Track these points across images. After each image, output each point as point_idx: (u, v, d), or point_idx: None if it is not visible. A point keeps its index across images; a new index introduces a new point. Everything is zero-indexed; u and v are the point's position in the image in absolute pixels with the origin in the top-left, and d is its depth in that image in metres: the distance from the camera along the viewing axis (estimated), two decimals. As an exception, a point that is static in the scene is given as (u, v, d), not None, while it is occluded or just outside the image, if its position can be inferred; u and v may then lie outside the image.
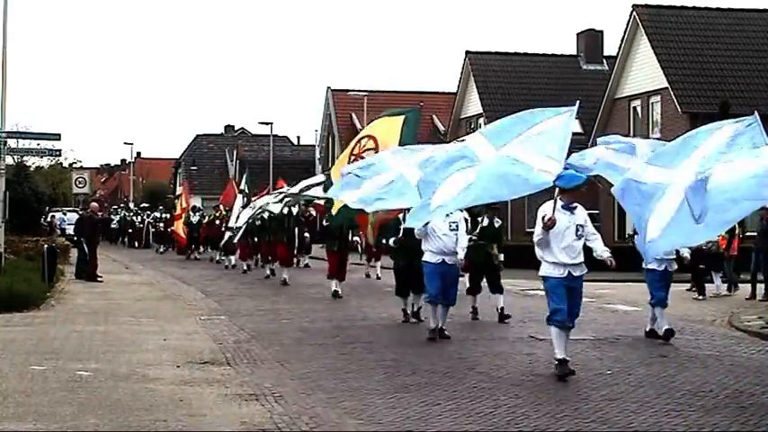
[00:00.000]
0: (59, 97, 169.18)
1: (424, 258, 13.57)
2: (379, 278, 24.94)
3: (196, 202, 60.81)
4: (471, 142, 11.67)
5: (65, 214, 51.45)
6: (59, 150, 30.83)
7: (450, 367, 11.32)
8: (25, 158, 43.14)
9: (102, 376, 10.54)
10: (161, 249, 43.05)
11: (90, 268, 24.75)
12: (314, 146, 65.17)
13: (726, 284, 21.61)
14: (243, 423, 8.39)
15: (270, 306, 18.66)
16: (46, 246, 23.31)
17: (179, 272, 29.26)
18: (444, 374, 10.82)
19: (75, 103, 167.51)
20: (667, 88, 35.94)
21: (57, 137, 25.47)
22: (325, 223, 19.80)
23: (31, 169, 48.62)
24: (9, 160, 32.31)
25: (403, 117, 16.60)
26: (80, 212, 32.90)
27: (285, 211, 23.82)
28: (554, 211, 10.27)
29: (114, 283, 24.16)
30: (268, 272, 25.93)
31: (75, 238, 28.25)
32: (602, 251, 10.85)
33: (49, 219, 46.64)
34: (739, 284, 21.57)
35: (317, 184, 21.25)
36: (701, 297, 20.39)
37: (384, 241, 16.18)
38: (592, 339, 13.63)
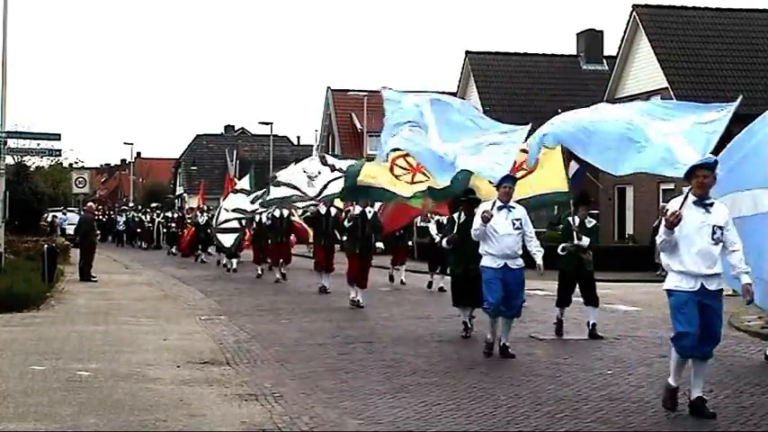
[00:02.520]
0: (59, 97, 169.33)
1: (482, 263, 11.98)
2: (403, 283, 23.33)
3: (196, 202, 60.93)
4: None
5: (65, 214, 51.37)
6: (59, 150, 30.93)
7: (450, 367, 11.32)
8: (25, 158, 43.16)
9: (102, 376, 10.54)
10: (173, 251, 41.07)
11: (85, 268, 24.73)
12: (312, 146, 65.11)
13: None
14: (243, 423, 8.39)
15: (270, 306, 18.66)
16: (46, 246, 23.32)
17: (179, 272, 29.26)
18: (444, 374, 10.82)
19: (75, 103, 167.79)
20: (667, 88, 35.93)
21: (57, 137, 25.50)
22: (347, 224, 18.35)
23: (31, 169, 48.63)
24: (9, 160, 32.34)
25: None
26: (81, 213, 32.97)
27: (323, 211, 21.42)
28: (682, 206, 8.46)
29: (114, 283, 24.17)
30: (278, 275, 24.99)
31: (77, 239, 28.26)
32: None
33: (49, 219, 46.66)
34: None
35: (333, 180, 20.62)
36: None
37: (438, 239, 14.99)
38: (592, 339, 13.63)
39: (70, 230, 41.23)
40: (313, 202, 21.87)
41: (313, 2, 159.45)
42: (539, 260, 11.80)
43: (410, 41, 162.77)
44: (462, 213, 13.41)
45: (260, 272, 26.80)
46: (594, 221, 14.39)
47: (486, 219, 11.61)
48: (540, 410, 8.90)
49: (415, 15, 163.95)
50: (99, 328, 14.82)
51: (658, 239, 8.59)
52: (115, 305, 18.63)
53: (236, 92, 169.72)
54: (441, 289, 20.99)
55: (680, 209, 8.38)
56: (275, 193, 22.78)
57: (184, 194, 75.51)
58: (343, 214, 19.04)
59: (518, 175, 12.92)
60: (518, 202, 12.37)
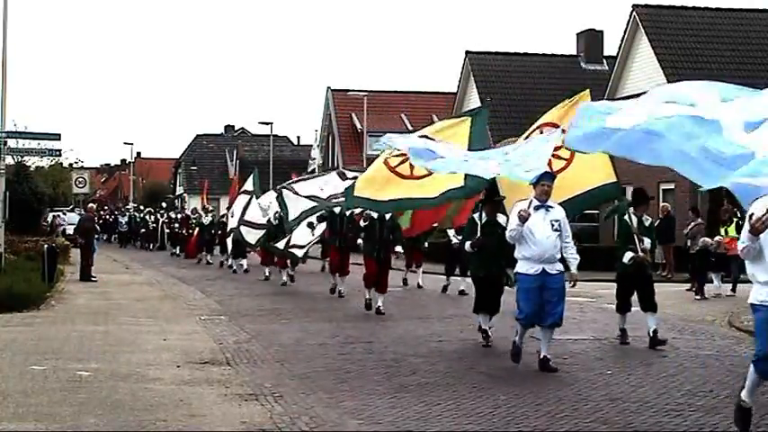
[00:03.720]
0: (59, 97, 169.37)
1: (517, 269, 11.00)
2: (420, 287, 22.42)
3: (196, 202, 60.92)
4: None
5: (65, 214, 51.35)
6: (59, 150, 31.00)
7: (450, 367, 11.32)
8: (25, 158, 43.15)
9: (102, 376, 10.54)
10: (176, 251, 40.03)
11: (84, 268, 24.73)
12: (312, 146, 65.14)
13: (731, 284, 21.54)
14: (243, 423, 8.39)
15: (270, 306, 18.66)
16: (46, 246, 23.32)
17: (179, 272, 29.25)
18: (444, 374, 10.82)
19: (75, 103, 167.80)
20: (667, 88, 35.93)
21: (57, 137, 25.50)
22: (362, 224, 17.53)
23: (31, 169, 48.60)
24: (9, 160, 32.34)
25: (470, 119, 14.66)
26: (81, 213, 32.95)
27: (337, 210, 20.11)
28: None
29: (114, 283, 24.17)
30: (285, 278, 24.19)
31: (77, 239, 28.24)
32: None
33: (49, 219, 46.66)
34: (738, 284, 21.56)
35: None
36: (698, 297, 20.38)
37: (458, 242, 13.78)
38: (592, 339, 13.64)
39: (70, 230, 41.23)
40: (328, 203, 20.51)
41: (313, 2, 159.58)
42: (573, 268, 11.03)
43: (410, 41, 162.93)
44: (484, 214, 12.69)
45: (267, 273, 25.96)
46: (650, 219, 13.36)
47: (524, 218, 10.61)
48: (540, 410, 8.90)
49: (415, 15, 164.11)
50: (99, 328, 14.82)
51: (740, 246, 7.58)
52: (115, 305, 18.63)
53: (236, 92, 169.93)
54: (461, 292, 20.09)
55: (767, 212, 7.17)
56: (293, 207, 20.79)
57: (184, 194, 75.54)
58: (363, 214, 17.83)
59: (554, 167, 11.97)
60: (563, 204, 11.48)
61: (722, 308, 18.26)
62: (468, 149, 13.64)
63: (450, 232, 20.35)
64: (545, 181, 10.87)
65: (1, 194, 22.35)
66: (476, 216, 12.77)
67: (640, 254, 12.72)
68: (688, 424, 8.44)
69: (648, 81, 37.63)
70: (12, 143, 29.37)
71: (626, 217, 12.93)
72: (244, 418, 8.54)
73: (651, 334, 12.83)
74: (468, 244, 12.73)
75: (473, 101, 47.02)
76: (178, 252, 39.47)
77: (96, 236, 29.20)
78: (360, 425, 8.39)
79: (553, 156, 12.08)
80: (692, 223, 22.47)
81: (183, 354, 12.22)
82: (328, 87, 59.27)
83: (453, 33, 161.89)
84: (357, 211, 19.55)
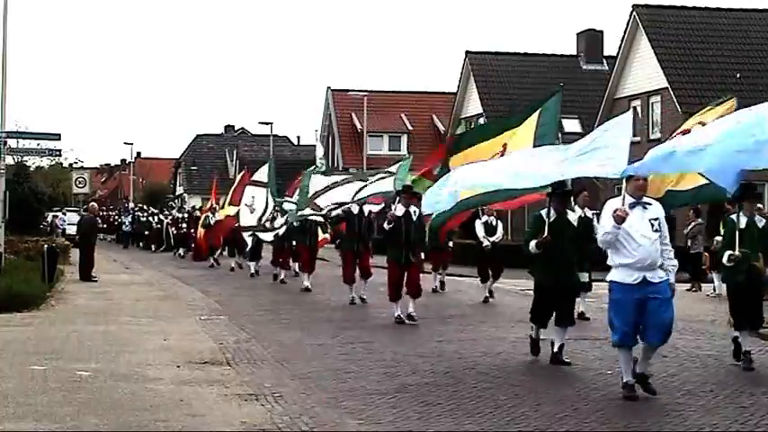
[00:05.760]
0: (59, 97, 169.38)
1: (611, 277, 9.43)
2: (437, 290, 20.94)
3: (196, 202, 60.88)
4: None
5: (65, 214, 51.29)
6: (59, 150, 30.90)
7: (450, 367, 11.31)
8: (25, 158, 43.15)
9: (102, 376, 10.53)
10: (181, 253, 38.14)
11: (86, 268, 24.73)
12: (314, 146, 65.12)
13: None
14: (243, 423, 8.39)
15: (270, 306, 18.65)
16: (46, 246, 23.31)
17: (179, 272, 29.22)
18: (444, 374, 10.82)
19: (76, 103, 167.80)
20: (667, 88, 35.95)
21: (57, 137, 25.50)
22: (386, 227, 15.55)
23: (31, 169, 48.60)
24: (9, 160, 32.30)
25: (538, 112, 13.02)
26: (82, 213, 32.90)
27: (355, 211, 18.58)
28: None
29: (114, 284, 24.14)
30: (303, 282, 22.04)
31: (77, 239, 28.22)
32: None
33: (49, 219, 46.61)
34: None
35: (377, 181, 17.67)
36: (693, 289, 20.32)
37: (532, 247, 11.37)
38: (592, 339, 13.61)
39: (70, 230, 41.18)
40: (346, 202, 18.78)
41: (313, 2, 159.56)
42: (672, 278, 9.40)
43: (410, 41, 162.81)
44: (552, 210, 11.31)
45: (282, 276, 24.32)
46: (765, 220, 11.34)
47: (621, 219, 9.08)
48: (540, 410, 8.90)
49: (415, 15, 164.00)
50: (99, 328, 14.82)
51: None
52: (115, 305, 18.62)
53: (236, 92, 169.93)
54: (489, 296, 19.00)
55: None
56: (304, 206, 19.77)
57: (184, 194, 75.54)
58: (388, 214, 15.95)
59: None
60: (669, 193, 10.45)
61: (722, 308, 18.24)
62: (534, 146, 12.19)
63: (480, 233, 18.96)
64: (640, 173, 9.43)
65: (1, 194, 22.35)
66: (543, 212, 11.35)
67: (738, 253, 10.97)
68: (688, 424, 8.44)
69: (648, 81, 37.68)
70: (12, 143, 29.36)
71: (732, 215, 11.40)
72: (244, 418, 8.54)
73: (744, 355, 11.21)
74: (533, 243, 11.22)
75: (473, 101, 47.07)
76: (182, 254, 37.90)
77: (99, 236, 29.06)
78: (360, 425, 8.39)
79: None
80: (693, 223, 22.49)
81: (183, 354, 12.21)
82: (328, 87, 59.27)
83: (453, 33, 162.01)
84: (375, 209, 18.77)
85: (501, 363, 11.63)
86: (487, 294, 19.16)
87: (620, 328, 9.27)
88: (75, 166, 61.17)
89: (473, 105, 47.07)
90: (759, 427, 8.38)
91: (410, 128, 56.05)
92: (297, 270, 24.13)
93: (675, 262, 9.44)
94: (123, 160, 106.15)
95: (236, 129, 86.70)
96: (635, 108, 9.45)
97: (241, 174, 30.40)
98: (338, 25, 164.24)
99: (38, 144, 30.16)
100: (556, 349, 11.31)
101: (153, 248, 44.89)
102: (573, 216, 11.66)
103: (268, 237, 24.62)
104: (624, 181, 9.34)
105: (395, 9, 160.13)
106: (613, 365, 11.34)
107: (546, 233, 11.11)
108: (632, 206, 9.27)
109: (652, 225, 9.27)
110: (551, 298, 11.35)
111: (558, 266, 11.18)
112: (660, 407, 9.02)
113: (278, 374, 10.86)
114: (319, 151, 59.41)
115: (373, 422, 8.48)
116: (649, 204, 9.43)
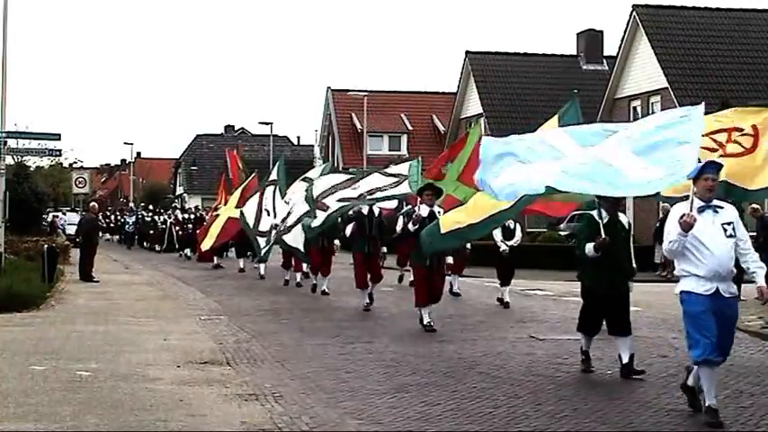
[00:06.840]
0: (59, 97, 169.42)
1: (683, 287, 8.44)
2: (453, 292, 20.08)
3: (196, 202, 60.91)
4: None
5: (65, 214, 51.30)
6: (59, 150, 31.00)
7: (450, 367, 11.32)
8: (25, 158, 43.20)
9: (102, 376, 10.54)
10: (188, 254, 36.92)
11: (86, 268, 24.74)
12: (313, 146, 65.15)
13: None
14: (243, 423, 8.39)
15: (270, 306, 18.65)
16: (46, 246, 23.32)
17: (179, 272, 29.23)
18: (444, 374, 10.82)
19: (76, 103, 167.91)
20: (667, 88, 35.93)
21: (57, 137, 25.50)
22: (411, 228, 14.90)
23: (31, 169, 48.65)
24: (9, 160, 32.35)
25: (556, 116, 12.98)
26: (82, 213, 32.88)
27: (365, 211, 18.20)
28: None
29: (114, 283, 24.15)
30: (311, 284, 21.67)
31: (77, 239, 28.21)
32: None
33: (50, 219, 46.64)
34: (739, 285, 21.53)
35: (390, 186, 16.95)
36: None
37: (584, 249, 10.75)
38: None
39: (70, 230, 41.19)
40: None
41: (313, 2, 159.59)
42: (761, 280, 8.31)
43: (410, 41, 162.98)
44: (604, 212, 10.75)
45: (298, 279, 23.33)
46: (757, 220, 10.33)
47: (689, 225, 8.15)
48: (540, 410, 8.90)
49: (415, 15, 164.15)
50: (99, 328, 14.82)
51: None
52: (115, 305, 18.62)
53: (236, 92, 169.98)
54: (506, 304, 18.23)
55: None
56: (321, 216, 18.74)
57: (184, 194, 75.56)
58: (414, 213, 15.12)
59: (716, 156, 10.00)
60: (725, 197, 9.48)
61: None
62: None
63: (497, 237, 18.18)
64: (710, 173, 8.40)
65: (1, 194, 22.36)
66: (594, 214, 10.75)
67: None
68: (688, 424, 8.44)
69: (648, 81, 37.67)
70: (12, 143, 29.39)
71: None
72: (244, 418, 8.54)
73: None
74: (590, 246, 10.57)
75: (473, 101, 47.06)
76: (188, 254, 36.82)
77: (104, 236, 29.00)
78: (360, 425, 8.39)
79: (726, 141, 10.60)
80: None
81: (183, 354, 12.22)
82: (328, 87, 59.27)
83: (453, 33, 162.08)
84: (384, 206, 18.17)
85: (501, 363, 11.63)
86: (501, 297, 18.54)
87: (700, 341, 8.21)
88: (75, 166, 61.28)
89: (473, 105, 47.06)
90: (759, 427, 8.38)
91: (410, 128, 56.07)
92: (306, 270, 23.15)
93: (763, 264, 8.45)
94: (123, 160, 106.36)
95: (236, 129, 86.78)
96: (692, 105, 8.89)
97: (249, 177, 29.82)
98: (338, 25, 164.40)
99: (38, 144, 30.23)
100: (626, 361, 10.60)
101: (157, 249, 43.95)
102: (624, 219, 11.19)
103: (293, 240, 21.36)
104: (692, 182, 8.43)
105: (395, 9, 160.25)
106: (613, 365, 11.35)
107: (603, 235, 10.53)
108: (701, 210, 8.35)
109: (725, 230, 8.33)
110: (602, 305, 10.77)
111: (612, 271, 10.63)
112: (660, 407, 9.02)
113: (278, 374, 10.86)
114: (317, 152, 59.46)
115: (373, 422, 8.48)
116: (721, 207, 8.48)
